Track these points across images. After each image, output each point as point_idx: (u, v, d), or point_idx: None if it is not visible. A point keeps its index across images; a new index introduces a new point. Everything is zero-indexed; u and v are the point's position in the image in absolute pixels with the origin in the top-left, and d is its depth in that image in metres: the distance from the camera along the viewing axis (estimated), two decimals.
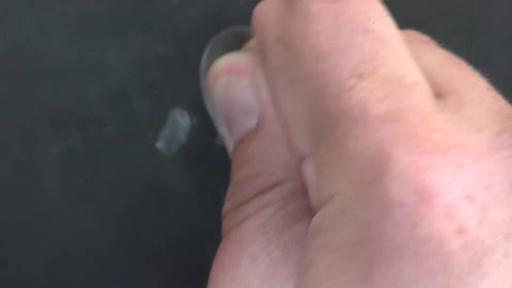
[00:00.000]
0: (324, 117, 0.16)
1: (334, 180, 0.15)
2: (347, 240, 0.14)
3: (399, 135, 0.14)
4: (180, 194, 0.28)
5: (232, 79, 0.18)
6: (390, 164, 0.14)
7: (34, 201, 0.28)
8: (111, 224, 0.28)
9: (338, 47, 0.16)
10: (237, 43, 0.20)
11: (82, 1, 0.28)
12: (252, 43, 0.21)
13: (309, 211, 0.17)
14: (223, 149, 0.29)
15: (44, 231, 0.28)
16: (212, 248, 0.28)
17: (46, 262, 0.29)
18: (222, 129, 0.19)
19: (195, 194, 0.28)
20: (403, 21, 0.30)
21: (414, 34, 0.19)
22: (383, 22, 0.17)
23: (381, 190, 0.14)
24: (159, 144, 0.28)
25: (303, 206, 0.17)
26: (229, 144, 0.19)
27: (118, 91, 0.28)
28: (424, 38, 0.19)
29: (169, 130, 0.28)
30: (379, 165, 0.14)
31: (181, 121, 0.28)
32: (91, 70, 0.28)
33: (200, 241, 0.29)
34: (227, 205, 0.18)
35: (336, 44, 0.16)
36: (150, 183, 0.28)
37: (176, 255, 0.29)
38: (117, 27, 0.28)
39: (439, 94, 0.16)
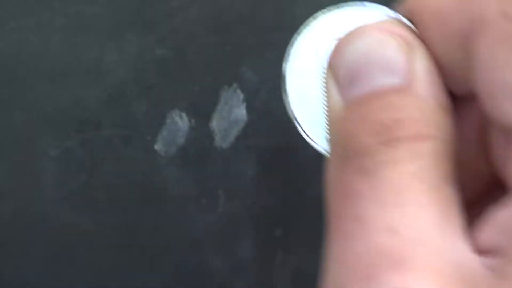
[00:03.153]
0: None
1: None
2: None
3: None
4: (178, 196, 0.28)
5: (387, 37, 0.18)
6: None
7: (32, 203, 0.28)
8: (109, 226, 0.28)
9: None
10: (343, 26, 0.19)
11: (81, 3, 0.28)
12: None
13: (458, 180, 0.16)
14: (221, 151, 0.29)
15: (42, 232, 0.28)
16: (210, 249, 0.28)
17: (44, 263, 0.29)
18: (328, 86, 0.18)
19: (193, 196, 0.28)
20: None
21: None
22: None
23: None
24: (158, 146, 0.28)
25: (452, 172, 0.17)
26: (334, 96, 0.18)
27: (117, 93, 0.28)
28: None
29: (167, 132, 0.28)
30: None
31: (180, 123, 0.28)
32: (89, 72, 0.28)
33: (198, 242, 0.29)
34: (366, 139, 0.17)
35: None
36: (148, 185, 0.28)
37: (174, 256, 0.29)
38: (116, 29, 0.28)
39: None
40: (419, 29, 0.18)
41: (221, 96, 0.28)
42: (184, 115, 0.28)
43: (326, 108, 0.19)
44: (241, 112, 0.28)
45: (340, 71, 0.18)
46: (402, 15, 0.18)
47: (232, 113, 0.28)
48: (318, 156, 0.30)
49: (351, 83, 0.17)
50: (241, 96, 0.28)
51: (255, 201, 0.29)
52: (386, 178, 0.16)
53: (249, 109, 0.29)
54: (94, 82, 0.28)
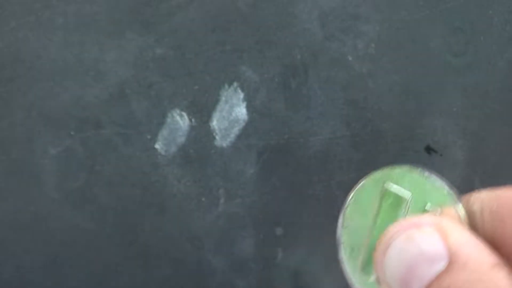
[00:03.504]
0: None
1: None
2: None
3: None
4: (178, 195, 0.28)
5: (413, 232, 0.18)
6: None
7: (33, 202, 0.28)
8: (110, 225, 0.28)
9: None
10: (379, 190, 0.20)
11: (80, 2, 0.28)
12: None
13: None
14: (221, 150, 0.29)
15: (43, 232, 0.28)
16: (210, 248, 0.28)
17: (45, 263, 0.29)
18: None
19: (193, 195, 0.28)
20: (403, 21, 0.30)
21: None
22: None
23: None
24: (158, 145, 0.28)
25: None
26: None
27: (117, 92, 0.28)
28: None
29: (167, 131, 0.28)
30: None
31: (180, 122, 0.28)
32: (89, 71, 0.28)
33: (198, 241, 0.29)
34: None
35: None
36: (149, 184, 0.28)
37: (174, 255, 0.29)
38: (116, 28, 0.28)
39: None
40: (493, 221, 0.18)
41: (221, 95, 0.28)
42: (184, 114, 0.28)
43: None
44: (241, 111, 0.29)
45: (393, 285, 0.19)
46: (464, 201, 0.19)
47: (233, 112, 0.28)
48: (318, 156, 0.30)
49: None
50: (241, 95, 0.28)
51: (255, 200, 0.29)
52: None
53: (249, 108, 0.29)
54: (94, 81, 0.28)
